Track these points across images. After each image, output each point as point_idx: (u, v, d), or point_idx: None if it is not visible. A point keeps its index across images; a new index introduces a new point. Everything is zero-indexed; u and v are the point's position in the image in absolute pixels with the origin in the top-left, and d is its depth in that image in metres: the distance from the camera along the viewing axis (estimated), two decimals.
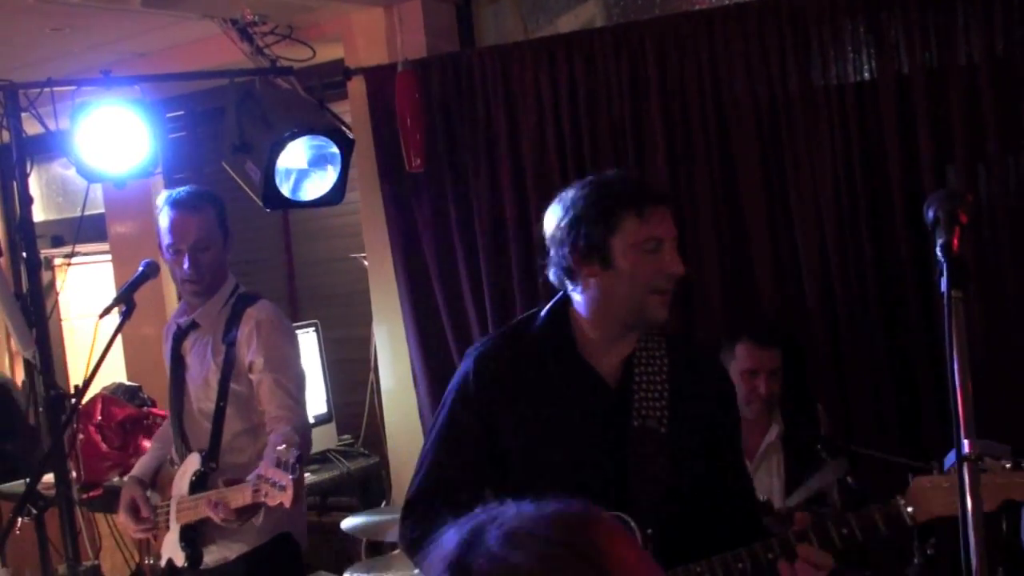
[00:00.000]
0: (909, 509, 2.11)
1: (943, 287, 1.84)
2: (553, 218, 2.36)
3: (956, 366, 1.81)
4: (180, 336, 3.56)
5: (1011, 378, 3.49)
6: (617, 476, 2.31)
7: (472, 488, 2.39)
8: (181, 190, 3.51)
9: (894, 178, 3.66)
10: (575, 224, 2.30)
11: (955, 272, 1.84)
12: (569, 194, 2.35)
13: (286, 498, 2.88)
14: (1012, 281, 3.55)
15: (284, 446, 2.97)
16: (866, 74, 3.70)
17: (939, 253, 1.88)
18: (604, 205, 2.28)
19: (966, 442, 1.78)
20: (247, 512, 3.09)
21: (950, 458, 2.00)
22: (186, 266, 3.41)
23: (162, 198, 3.51)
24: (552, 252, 2.37)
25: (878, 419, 3.75)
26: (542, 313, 2.45)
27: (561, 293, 2.43)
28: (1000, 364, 3.54)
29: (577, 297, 2.38)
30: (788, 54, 3.75)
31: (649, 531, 2.25)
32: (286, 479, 2.87)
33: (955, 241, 1.90)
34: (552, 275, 2.40)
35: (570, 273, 2.35)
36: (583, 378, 2.37)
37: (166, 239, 3.44)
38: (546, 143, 4.21)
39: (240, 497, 3.04)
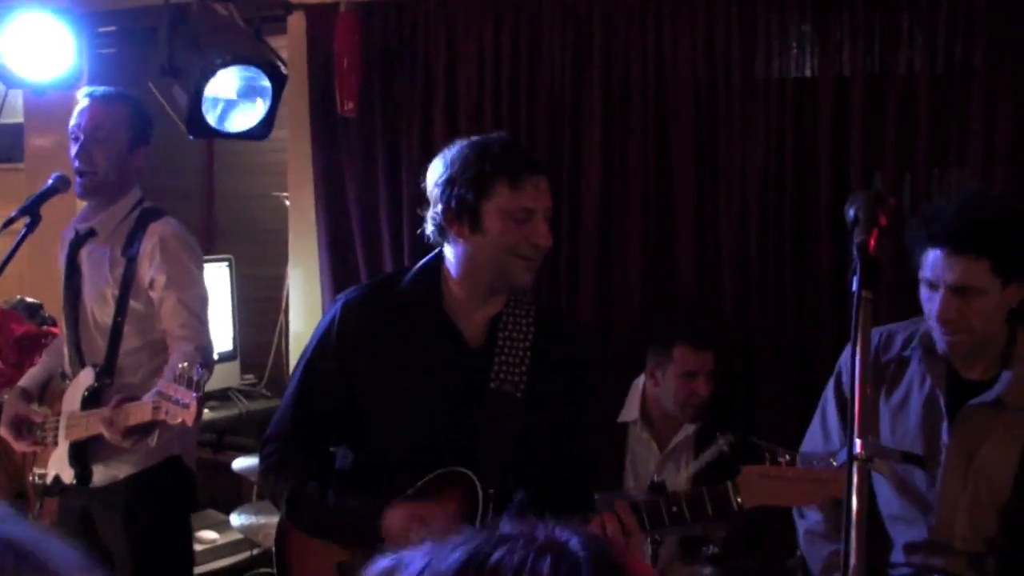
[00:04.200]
0: (737, 496, 2.24)
1: (854, 286, 1.84)
2: (433, 174, 2.41)
3: (858, 365, 1.81)
4: (77, 243, 3.43)
5: None
6: (467, 435, 2.38)
7: (325, 434, 2.51)
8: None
9: (823, 178, 3.68)
10: (449, 184, 2.35)
11: (868, 272, 1.83)
12: (450, 152, 2.40)
13: (189, 416, 2.76)
14: None
15: (186, 363, 2.88)
16: (807, 71, 3.72)
17: (855, 251, 1.87)
18: (479, 169, 2.33)
19: (858, 442, 1.78)
20: (140, 432, 2.98)
21: (842, 455, 2.01)
22: (74, 152, 3.31)
23: (82, 91, 3.43)
24: (430, 207, 2.42)
25: (781, 415, 3.78)
26: (415, 268, 2.50)
27: (438, 249, 2.49)
28: None
29: (449, 255, 2.44)
30: (733, 42, 3.74)
31: (491, 490, 2.33)
32: (189, 396, 2.76)
33: (871, 241, 1.89)
34: (428, 230, 2.45)
35: (442, 231, 2.40)
36: (444, 336, 2.43)
37: (71, 123, 3.35)
38: (483, 103, 4.15)
39: (138, 414, 2.93)
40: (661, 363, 3.60)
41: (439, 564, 0.89)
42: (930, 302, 2.55)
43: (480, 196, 2.32)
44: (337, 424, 2.49)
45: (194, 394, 2.76)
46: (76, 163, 3.33)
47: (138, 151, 3.40)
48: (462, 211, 2.34)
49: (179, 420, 2.80)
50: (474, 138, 2.42)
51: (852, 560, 1.77)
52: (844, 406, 2.75)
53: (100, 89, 3.41)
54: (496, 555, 0.88)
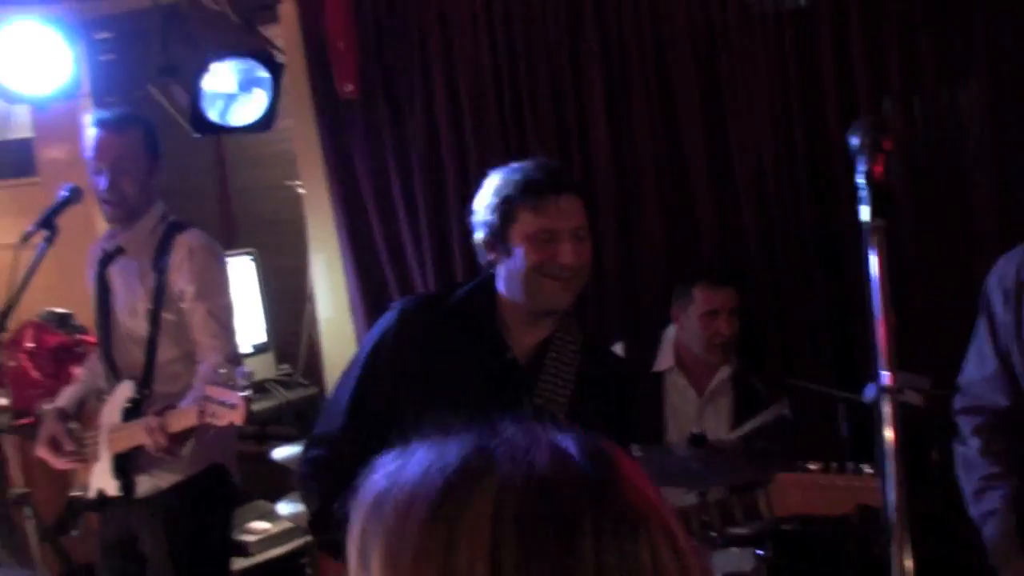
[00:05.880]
0: (768, 506, 2.22)
1: (865, 215, 1.81)
2: (476, 203, 2.49)
3: (877, 296, 1.79)
4: (105, 261, 3.49)
5: (943, 309, 3.49)
6: None
7: (372, 442, 2.43)
8: (109, 110, 3.45)
9: (830, 108, 3.63)
10: (485, 213, 2.43)
11: (877, 200, 1.81)
12: (488, 180, 2.47)
13: (237, 416, 2.83)
14: (945, 213, 3.56)
15: (227, 368, 2.94)
16: (802, 1, 3.65)
17: (861, 180, 1.84)
18: (503, 196, 2.39)
19: (885, 374, 1.77)
20: (181, 439, 3.05)
21: (870, 389, 2.00)
22: (103, 186, 3.35)
23: (89, 117, 3.45)
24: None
25: (814, 352, 3.76)
26: (470, 284, 2.56)
27: (491, 269, 2.53)
28: (932, 296, 3.56)
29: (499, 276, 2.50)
30: None
31: None
32: (235, 397, 2.84)
33: (878, 168, 1.86)
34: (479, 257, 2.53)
35: (484, 257, 2.49)
36: (495, 351, 2.45)
37: (89, 155, 3.38)
38: (482, 70, 4.12)
39: (183, 420, 2.99)
40: (684, 305, 3.62)
41: (446, 454, 1.04)
42: None
43: (505, 222, 2.39)
44: (385, 432, 2.47)
45: (241, 394, 2.83)
46: (105, 195, 3.37)
47: (157, 168, 3.45)
48: (493, 238, 2.42)
49: (227, 421, 2.86)
50: (511, 165, 2.46)
51: (891, 494, 1.76)
52: (993, 326, 2.61)
53: (108, 115, 3.42)
54: (500, 449, 1.03)
